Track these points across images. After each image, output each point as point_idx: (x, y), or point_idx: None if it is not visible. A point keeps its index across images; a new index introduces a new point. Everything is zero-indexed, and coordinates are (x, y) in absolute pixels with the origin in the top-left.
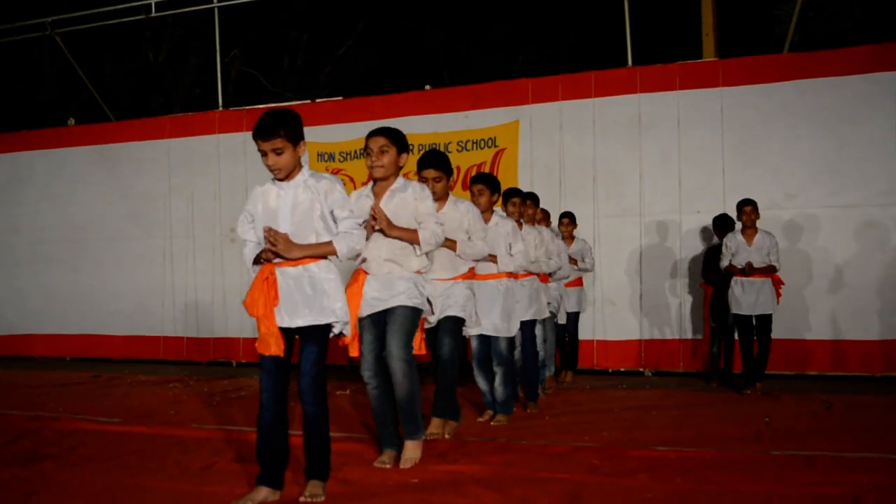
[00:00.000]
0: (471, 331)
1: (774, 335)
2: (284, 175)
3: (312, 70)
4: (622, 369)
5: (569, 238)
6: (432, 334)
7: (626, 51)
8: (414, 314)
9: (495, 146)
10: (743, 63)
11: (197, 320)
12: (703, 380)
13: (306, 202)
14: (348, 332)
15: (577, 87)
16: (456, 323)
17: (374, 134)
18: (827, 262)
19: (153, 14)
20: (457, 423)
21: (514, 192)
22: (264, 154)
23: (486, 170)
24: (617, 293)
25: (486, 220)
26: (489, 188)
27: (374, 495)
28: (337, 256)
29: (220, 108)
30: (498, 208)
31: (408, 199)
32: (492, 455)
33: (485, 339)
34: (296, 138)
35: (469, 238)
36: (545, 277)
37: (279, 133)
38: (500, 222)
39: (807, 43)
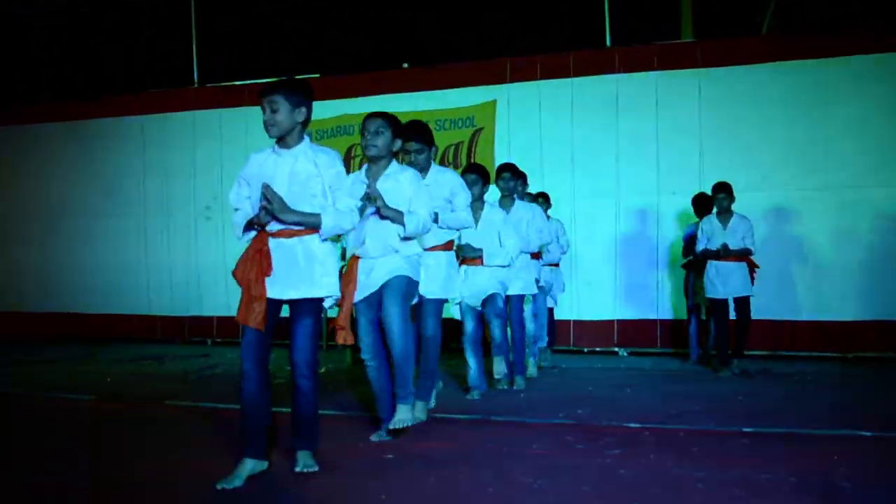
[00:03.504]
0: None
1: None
2: (278, 133)
3: (296, 51)
4: (598, 349)
5: None
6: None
7: (604, 31)
8: (410, 282)
9: (473, 125)
10: (721, 44)
11: (172, 299)
12: (679, 359)
13: (304, 172)
14: (336, 311)
15: (556, 67)
16: (437, 303)
17: (372, 115)
18: (803, 243)
19: None
20: (430, 406)
21: (508, 166)
22: (264, 111)
23: (464, 149)
24: (593, 273)
25: (477, 210)
26: (483, 178)
27: (349, 471)
28: (320, 231)
29: (196, 85)
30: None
31: (403, 184)
32: (466, 431)
33: (476, 314)
34: (294, 100)
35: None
36: (536, 255)
37: (278, 91)
38: (490, 211)
39: (786, 25)
